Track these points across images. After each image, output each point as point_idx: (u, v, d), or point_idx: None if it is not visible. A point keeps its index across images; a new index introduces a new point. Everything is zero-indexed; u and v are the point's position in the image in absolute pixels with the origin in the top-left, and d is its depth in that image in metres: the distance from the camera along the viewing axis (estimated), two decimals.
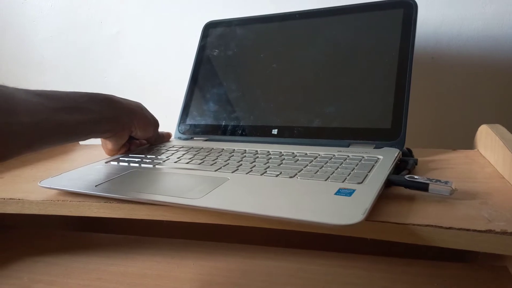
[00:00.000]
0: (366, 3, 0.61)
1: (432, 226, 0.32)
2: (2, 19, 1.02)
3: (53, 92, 0.44)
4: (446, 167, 0.48)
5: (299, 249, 0.50)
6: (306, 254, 0.49)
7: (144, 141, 0.63)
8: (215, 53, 0.71)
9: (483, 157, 0.51)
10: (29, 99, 0.40)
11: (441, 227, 0.32)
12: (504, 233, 0.30)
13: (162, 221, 0.41)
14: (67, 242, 0.54)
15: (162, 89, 0.93)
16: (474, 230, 0.31)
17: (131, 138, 0.58)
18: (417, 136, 0.72)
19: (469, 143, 0.59)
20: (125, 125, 0.53)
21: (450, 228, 0.32)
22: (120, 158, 0.55)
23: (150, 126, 0.58)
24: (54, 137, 0.43)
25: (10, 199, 0.46)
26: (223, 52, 0.70)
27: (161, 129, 0.66)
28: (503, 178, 0.42)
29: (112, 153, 0.57)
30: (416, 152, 0.52)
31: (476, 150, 0.55)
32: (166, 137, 0.66)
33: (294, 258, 0.48)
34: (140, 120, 0.55)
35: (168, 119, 0.74)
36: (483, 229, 0.31)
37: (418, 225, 0.33)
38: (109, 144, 0.56)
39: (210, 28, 0.73)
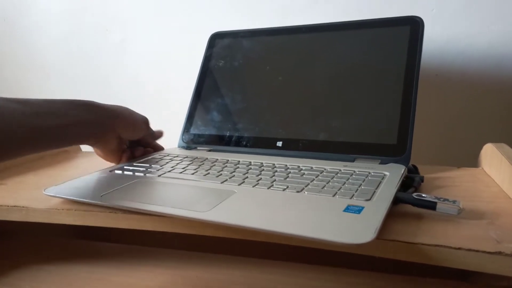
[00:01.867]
0: (373, 19, 0.62)
1: (441, 246, 0.32)
2: (7, 24, 1.02)
3: (32, 99, 0.44)
4: (452, 185, 0.48)
5: (303, 264, 0.49)
6: (310, 269, 0.48)
7: (150, 149, 0.63)
8: (220, 64, 0.71)
9: (488, 175, 0.51)
10: (6, 106, 0.40)
11: (450, 247, 0.32)
12: None
13: (166, 232, 0.41)
14: (70, 250, 0.54)
15: (166, 97, 0.93)
16: (484, 252, 0.31)
17: (133, 144, 0.57)
18: (419, 152, 0.72)
19: (471, 161, 0.59)
20: (107, 128, 0.51)
21: (459, 248, 0.32)
22: (125, 167, 0.55)
23: (138, 123, 0.57)
24: (31, 143, 0.42)
25: (14, 206, 0.46)
26: (228, 63, 0.70)
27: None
28: (509, 198, 0.42)
29: (107, 158, 0.57)
30: (421, 169, 0.52)
31: (480, 168, 0.55)
32: (157, 134, 0.65)
33: (298, 273, 0.48)
34: (125, 120, 0.54)
35: (171, 128, 0.74)
36: (492, 250, 0.31)
37: (428, 244, 0.33)
38: (98, 151, 0.55)
39: (216, 38, 0.74)
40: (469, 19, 0.70)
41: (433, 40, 0.72)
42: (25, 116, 0.41)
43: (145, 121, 0.59)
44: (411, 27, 0.58)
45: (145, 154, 0.62)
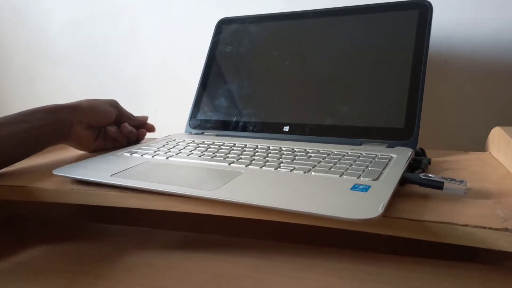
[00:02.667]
0: (381, 3, 0.61)
1: (447, 223, 0.32)
2: (16, 12, 1.03)
3: None
4: (459, 167, 0.48)
5: (308, 246, 0.49)
6: (314, 251, 0.48)
7: (144, 130, 0.65)
8: (227, 50, 0.71)
9: (496, 159, 0.51)
10: None
11: (457, 224, 0.32)
12: None
13: (171, 214, 0.42)
14: (79, 232, 0.55)
15: (173, 83, 0.93)
16: (490, 228, 0.31)
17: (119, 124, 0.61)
18: (426, 137, 0.72)
19: (477, 146, 0.59)
20: (72, 123, 0.53)
21: (465, 225, 0.32)
22: (133, 150, 0.55)
23: (102, 109, 0.58)
24: None
25: (23, 186, 0.46)
26: (235, 48, 0.71)
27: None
28: None
29: (89, 149, 0.60)
30: (428, 153, 0.52)
31: (488, 152, 0.55)
32: (141, 118, 0.66)
33: (304, 255, 0.48)
34: (86, 110, 0.55)
35: (179, 114, 0.75)
36: (499, 227, 0.31)
37: (434, 222, 0.33)
38: (77, 147, 0.58)
39: (223, 24, 0.74)
40: (478, 4, 0.69)
41: (442, 25, 0.71)
42: None
43: (112, 104, 0.60)
44: (420, 11, 0.58)
45: (140, 135, 0.64)
